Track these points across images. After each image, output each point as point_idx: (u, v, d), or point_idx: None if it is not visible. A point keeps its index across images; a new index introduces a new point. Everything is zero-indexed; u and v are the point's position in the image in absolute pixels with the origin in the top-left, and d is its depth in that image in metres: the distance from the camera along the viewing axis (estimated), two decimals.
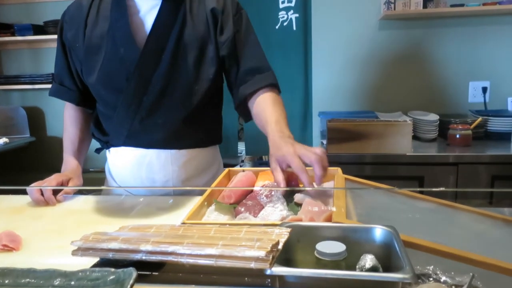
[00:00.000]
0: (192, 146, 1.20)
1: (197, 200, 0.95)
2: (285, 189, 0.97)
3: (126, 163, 1.20)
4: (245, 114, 1.20)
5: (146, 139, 1.16)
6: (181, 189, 1.21)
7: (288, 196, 1.02)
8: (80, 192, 1.18)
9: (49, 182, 1.11)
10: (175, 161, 1.18)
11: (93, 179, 1.32)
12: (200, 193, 1.01)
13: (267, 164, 3.62)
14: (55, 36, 1.21)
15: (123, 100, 1.11)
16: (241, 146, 3.06)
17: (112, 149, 1.23)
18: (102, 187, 1.26)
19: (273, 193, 0.96)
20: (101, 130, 1.22)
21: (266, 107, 1.10)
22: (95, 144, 1.29)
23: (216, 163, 1.29)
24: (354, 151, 1.97)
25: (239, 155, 3.34)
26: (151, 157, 1.17)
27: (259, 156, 3.55)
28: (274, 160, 0.96)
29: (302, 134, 2.40)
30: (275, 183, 1.06)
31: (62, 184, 1.14)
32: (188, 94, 1.12)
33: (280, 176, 0.93)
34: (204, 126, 1.20)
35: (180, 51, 1.09)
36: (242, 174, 1.16)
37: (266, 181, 1.09)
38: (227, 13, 1.13)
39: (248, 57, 1.14)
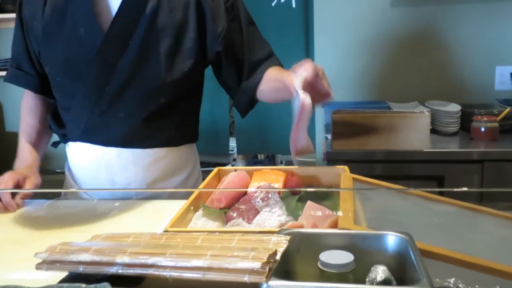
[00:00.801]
0: (159, 145, 1.19)
1: (181, 205, 0.95)
2: (283, 190, 0.97)
3: (84, 161, 1.19)
4: (246, 106, 1.21)
5: (104, 135, 1.15)
6: (160, 191, 1.21)
7: (287, 199, 1.02)
8: (43, 196, 1.18)
9: (5, 184, 1.10)
10: (138, 161, 1.17)
11: (60, 181, 1.31)
12: (186, 196, 1.01)
13: (262, 163, 3.64)
14: (14, 15, 1.20)
15: (82, 88, 1.10)
16: (233, 142, 3.06)
17: (70, 143, 1.22)
18: (73, 190, 1.25)
19: (270, 195, 0.97)
20: (58, 121, 1.21)
21: (274, 70, 1.14)
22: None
23: (189, 164, 1.28)
24: (363, 147, 1.98)
25: (230, 152, 3.33)
26: (110, 156, 1.16)
27: (253, 154, 3.56)
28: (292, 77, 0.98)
29: None
30: (273, 185, 1.07)
31: (18, 184, 1.12)
32: (157, 87, 1.11)
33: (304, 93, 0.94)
34: (175, 123, 1.19)
35: (152, 38, 1.08)
36: (234, 174, 1.16)
37: (262, 182, 1.10)
38: (217, 0, 1.12)
39: (252, 50, 1.15)
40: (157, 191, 1.20)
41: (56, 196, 1.20)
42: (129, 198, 1.17)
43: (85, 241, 0.77)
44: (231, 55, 1.15)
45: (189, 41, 1.10)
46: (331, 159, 1.99)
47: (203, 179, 1.16)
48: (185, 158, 1.26)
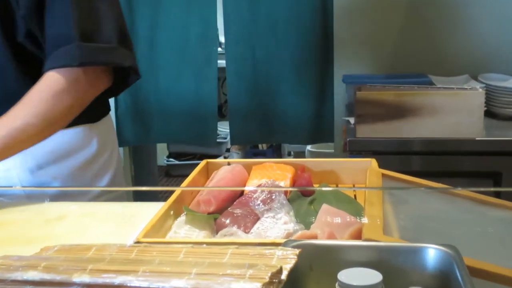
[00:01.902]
0: None
1: (158, 208, 0.95)
2: (291, 189, 0.97)
3: None
4: None
5: None
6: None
7: (297, 202, 1.02)
8: None
9: None
10: None
11: None
12: (162, 196, 1.01)
13: (264, 154, 3.65)
14: None
15: None
16: (225, 128, 3.06)
17: None
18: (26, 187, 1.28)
19: (273, 196, 0.97)
20: None
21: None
22: None
23: (90, 145, 1.34)
24: (395, 135, 1.98)
25: (222, 141, 3.34)
26: None
27: (252, 143, 3.57)
28: None
29: (318, 110, 2.40)
30: (278, 182, 1.07)
31: None
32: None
33: None
34: None
35: None
36: (227, 169, 1.16)
37: (264, 179, 1.10)
38: None
39: (51, 20, 1.18)
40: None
41: None
42: (43, 200, 1.19)
43: (32, 255, 0.77)
44: (34, 21, 1.19)
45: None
46: (354, 149, 1.99)
47: (188, 174, 1.17)
48: (82, 139, 1.33)
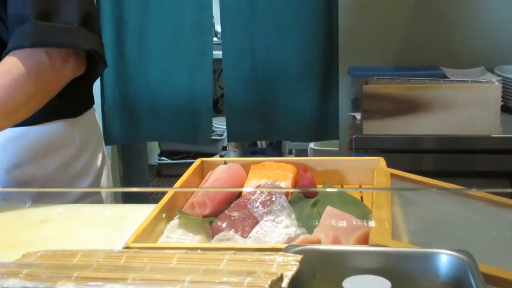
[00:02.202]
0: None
1: (149, 210, 0.96)
2: (292, 190, 0.97)
3: None
4: None
5: None
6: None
7: (298, 204, 1.02)
8: None
9: None
10: None
11: None
12: (153, 198, 1.01)
13: (263, 153, 3.66)
14: None
15: None
16: (221, 124, 3.06)
17: None
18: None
19: (274, 198, 0.97)
20: None
21: None
22: None
23: (73, 140, 1.35)
24: (405, 132, 1.98)
25: (217, 137, 3.34)
26: None
27: (250, 140, 3.57)
28: None
29: (322, 105, 2.40)
30: (278, 183, 1.07)
31: None
32: None
33: None
34: None
35: None
36: (224, 168, 1.16)
37: (263, 180, 1.10)
38: None
39: (11, 0, 1.17)
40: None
41: None
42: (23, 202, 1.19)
43: (13, 261, 0.77)
44: None
45: None
46: (361, 147, 1.99)
47: (181, 174, 1.17)
48: (61, 136, 1.33)
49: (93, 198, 1.34)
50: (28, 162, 1.29)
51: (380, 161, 1.17)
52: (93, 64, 1.24)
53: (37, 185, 1.27)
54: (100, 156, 1.42)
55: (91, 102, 1.43)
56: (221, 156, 3.83)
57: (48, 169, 1.30)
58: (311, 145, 3.19)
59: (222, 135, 3.74)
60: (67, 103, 1.29)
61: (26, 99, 1.14)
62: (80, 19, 1.17)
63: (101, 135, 1.48)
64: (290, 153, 3.80)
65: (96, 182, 1.37)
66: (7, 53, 1.14)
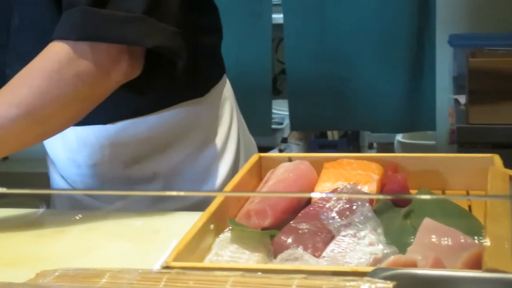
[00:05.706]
0: (122, 117, 1.31)
1: (192, 220, 0.97)
2: (379, 196, 0.97)
3: None
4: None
5: None
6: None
7: (386, 215, 1.02)
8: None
9: None
10: (102, 133, 1.33)
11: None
12: (198, 204, 1.02)
13: (335, 147, 3.64)
14: None
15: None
16: (282, 109, 3.06)
17: None
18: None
19: (354, 206, 0.97)
20: None
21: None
22: None
23: (198, 129, 1.38)
24: None
25: (278, 127, 3.34)
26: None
27: (319, 130, 3.55)
28: None
29: (413, 85, 2.39)
30: (359, 187, 1.07)
31: None
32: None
33: None
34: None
35: None
36: (289, 167, 1.16)
37: (339, 182, 1.10)
38: None
39: None
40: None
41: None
42: (101, 207, 1.22)
43: (26, 281, 0.78)
44: None
45: None
46: (466, 141, 1.99)
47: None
48: (185, 123, 1.36)
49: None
50: (148, 157, 1.35)
51: (495, 159, 1.15)
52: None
53: (160, 182, 1.33)
54: (235, 136, 1.45)
55: (223, 70, 1.49)
56: (280, 150, 3.79)
57: (171, 164, 1.35)
58: (399, 137, 3.15)
59: (281, 123, 3.72)
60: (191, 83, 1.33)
61: (61, 106, 1.14)
62: (145, 5, 1.15)
63: (236, 107, 1.55)
64: (370, 147, 3.76)
65: (233, 172, 1.36)
66: (51, 40, 1.16)
